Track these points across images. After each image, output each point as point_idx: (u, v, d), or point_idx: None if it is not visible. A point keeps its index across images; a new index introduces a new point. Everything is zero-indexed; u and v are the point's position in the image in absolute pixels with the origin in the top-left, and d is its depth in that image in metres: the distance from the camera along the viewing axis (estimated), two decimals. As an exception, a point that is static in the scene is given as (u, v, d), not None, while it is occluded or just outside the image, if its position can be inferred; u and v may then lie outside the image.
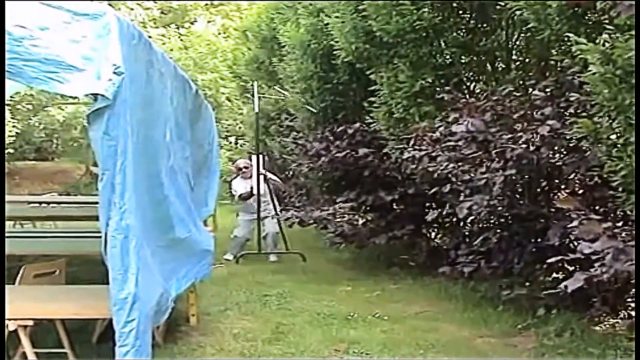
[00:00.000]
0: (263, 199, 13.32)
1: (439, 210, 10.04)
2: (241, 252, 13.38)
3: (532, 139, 7.63)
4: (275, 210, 13.45)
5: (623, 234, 6.09)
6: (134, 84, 5.59)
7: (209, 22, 36.66)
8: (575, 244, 6.81)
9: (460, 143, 8.39)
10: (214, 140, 10.06)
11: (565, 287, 6.09)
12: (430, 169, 8.87)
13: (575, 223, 6.40)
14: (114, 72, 5.15)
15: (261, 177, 13.23)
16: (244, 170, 13.80)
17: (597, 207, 7.93)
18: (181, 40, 33.80)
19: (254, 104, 14.02)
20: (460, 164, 8.44)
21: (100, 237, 5.56)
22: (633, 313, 7.63)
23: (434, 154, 8.82)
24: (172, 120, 7.21)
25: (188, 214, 7.55)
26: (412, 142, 9.29)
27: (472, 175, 8.21)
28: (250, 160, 13.83)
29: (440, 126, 8.83)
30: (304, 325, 8.22)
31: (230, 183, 14.48)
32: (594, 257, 5.97)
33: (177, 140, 7.41)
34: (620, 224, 7.40)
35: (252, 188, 13.25)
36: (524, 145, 7.69)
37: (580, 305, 7.87)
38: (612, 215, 7.75)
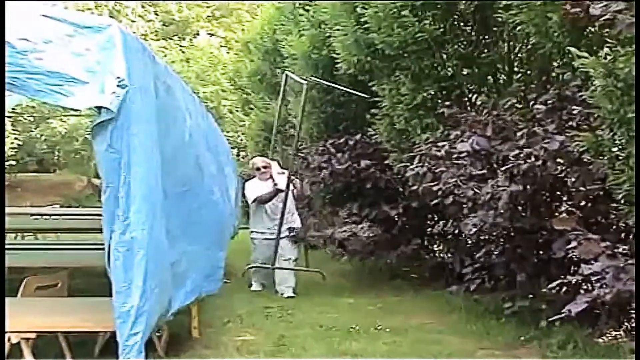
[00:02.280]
0: (287, 211, 11.01)
1: (444, 222, 10.03)
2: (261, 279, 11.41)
3: (540, 155, 7.62)
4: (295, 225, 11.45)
5: (623, 251, 6.09)
6: (145, 96, 5.61)
7: (210, 35, 36.71)
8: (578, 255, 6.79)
9: (464, 159, 8.39)
10: (228, 153, 10.05)
11: (569, 310, 6.11)
12: (435, 188, 8.86)
13: (574, 244, 6.41)
14: (118, 85, 5.18)
15: (281, 177, 11.16)
16: (262, 170, 11.33)
17: (599, 219, 7.95)
18: (183, 52, 33.85)
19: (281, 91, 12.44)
20: (462, 178, 8.43)
21: (102, 249, 5.58)
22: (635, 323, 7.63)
23: (437, 170, 8.81)
24: (194, 131, 7.34)
25: (208, 228, 7.63)
26: (416, 160, 9.30)
27: (477, 191, 8.20)
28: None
29: (444, 145, 8.82)
30: (306, 338, 8.20)
31: (244, 186, 11.55)
32: (594, 278, 5.99)
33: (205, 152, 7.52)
34: (622, 235, 7.42)
35: (275, 185, 11.04)
36: (529, 160, 7.69)
37: (583, 317, 7.86)
38: (614, 228, 7.76)
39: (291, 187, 11.08)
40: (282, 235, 11.00)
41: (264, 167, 11.36)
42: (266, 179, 11.23)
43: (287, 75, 12.10)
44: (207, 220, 7.83)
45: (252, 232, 11.40)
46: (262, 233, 11.19)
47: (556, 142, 7.41)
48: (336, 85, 11.94)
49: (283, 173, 11.27)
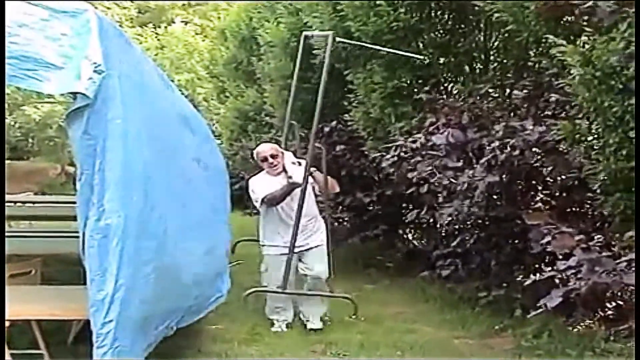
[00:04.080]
0: (307, 215, 8.28)
1: (418, 210, 10.04)
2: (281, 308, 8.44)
3: (518, 145, 7.64)
4: (329, 237, 8.69)
5: (598, 242, 6.14)
6: (122, 81, 5.56)
7: (186, 23, 36.54)
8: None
9: (440, 152, 8.41)
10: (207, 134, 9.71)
11: (545, 305, 6.18)
12: (410, 176, 8.87)
13: (548, 238, 6.45)
14: (94, 71, 5.12)
15: (297, 169, 8.30)
16: (270, 160, 8.35)
17: (574, 208, 7.99)
18: (158, 40, 33.70)
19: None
20: (438, 168, 8.44)
21: (76, 237, 5.53)
22: (610, 312, 7.67)
23: (412, 161, 8.82)
24: (182, 117, 7.34)
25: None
26: (391, 151, 9.29)
27: (453, 180, 8.21)
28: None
29: (419, 137, 8.82)
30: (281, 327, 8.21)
31: (247, 183, 8.68)
32: (570, 272, 6.04)
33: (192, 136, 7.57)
34: (597, 225, 7.46)
35: (290, 178, 8.18)
36: (506, 151, 7.71)
37: (557, 307, 7.90)
38: (589, 216, 7.80)
39: (311, 181, 8.33)
40: (303, 247, 8.33)
41: (273, 157, 8.38)
42: (277, 173, 8.36)
43: (306, 37, 9.63)
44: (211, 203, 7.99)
45: (263, 245, 8.55)
46: (277, 246, 8.31)
47: (536, 133, 7.44)
48: (377, 47, 9.45)
49: (299, 164, 8.43)
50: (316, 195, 8.58)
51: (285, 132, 9.93)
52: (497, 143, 7.81)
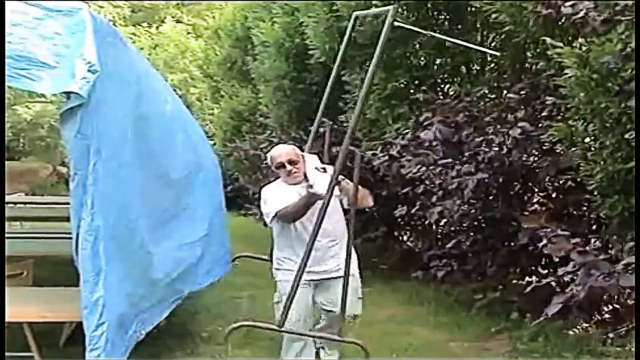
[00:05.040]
0: (330, 235, 6.35)
1: (408, 209, 10.00)
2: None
3: (504, 142, 7.63)
4: (348, 263, 6.19)
5: (594, 245, 6.13)
6: (116, 81, 5.52)
7: (178, 21, 36.45)
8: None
9: (428, 149, 8.40)
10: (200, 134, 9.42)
11: (546, 314, 6.18)
12: (403, 171, 8.85)
13: (544, 241, 6.45)
14: (89, 70, 5.08)
15: (321, 176, 6.19)
16: (289, 168, 6.38)
17: (570, 210, 7.98)
18: (152, 39, 33.64)
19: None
20: (432, 167, 8.42)
21: (68, 238, 5.49)
22: (606, 315, 7.65)
23: (403, 160, 8.79)
24: (178, 117, 7.30)
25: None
26: (379, 148, 9.27)
27: (444, 178, 8.19)
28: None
29: (407, 133, 8.81)
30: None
31: (260, 193, 6.70)
32: (567, 278, 6.04)
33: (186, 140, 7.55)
34: (594, 226, 7.45)
35: (310, 187, 5.99)
36: (496, 148, 7.70)
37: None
38: (585, 219, 7.78)
39: (337, 192, 6.13)
40: (325, 275, 6.47)
41: (292, 163, 6.41)
42: (296, 182, 6.35)
43: (357, 17, 7.48)
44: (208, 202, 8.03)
45: (277, 269, 6.61)
46: (292, 271, 6.10)
47: (518, 128, 7.43)
48: (438, 35, 7.83)
49: (324, 170, 6.42)
50: (345, 210, 6.57)
51: (314, 130, 8.17)
52: (480, 139, 7.82)
